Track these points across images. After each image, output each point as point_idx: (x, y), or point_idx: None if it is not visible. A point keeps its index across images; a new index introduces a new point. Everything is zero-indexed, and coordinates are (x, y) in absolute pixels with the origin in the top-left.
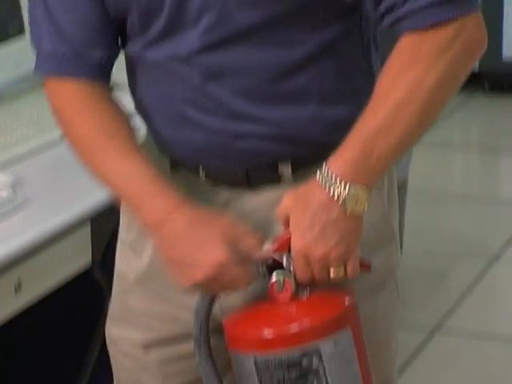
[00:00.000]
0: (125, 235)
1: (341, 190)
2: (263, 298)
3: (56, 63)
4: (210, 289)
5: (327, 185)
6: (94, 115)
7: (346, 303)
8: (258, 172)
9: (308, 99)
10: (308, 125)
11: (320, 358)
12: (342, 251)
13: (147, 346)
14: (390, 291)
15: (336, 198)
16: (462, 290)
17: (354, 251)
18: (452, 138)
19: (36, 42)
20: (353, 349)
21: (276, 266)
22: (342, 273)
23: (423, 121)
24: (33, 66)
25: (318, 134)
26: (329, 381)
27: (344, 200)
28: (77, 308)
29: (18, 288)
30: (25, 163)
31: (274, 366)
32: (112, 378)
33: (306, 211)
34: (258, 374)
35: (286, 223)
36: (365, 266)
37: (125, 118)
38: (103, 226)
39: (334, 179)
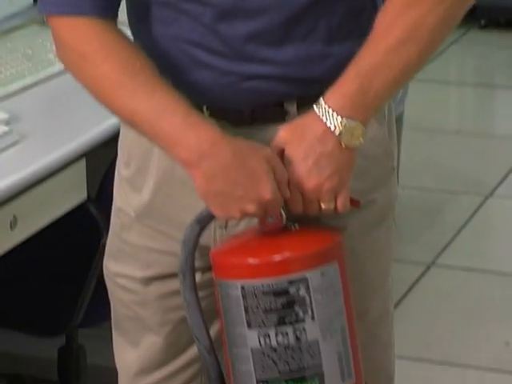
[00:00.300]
0: (123, 170)
1: (337, 123)
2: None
3: (68, 2)
4: (252, 216)
5: (324, 118)
6: (113, 53)
7: (334, 238)
8: (263, 111)
9: (316, 38)
10: (315, 63)
11: (307, 288)
12: (334, 183)
13: (146, 282)
14: (388, 226)
15: (332, 130)
16: (458, 225)
17: (345, 184)
18: (447, 74)
19: None
20: (339, 282)
21: None
22: (332, 206)
23: (421, 59)
24: (27, 2)
25: (325, 72)
26: (314, 311)
27: (340, 133)
28: (73, 243)
29: (13, 224)
30: (20, 100)
31: (261, 292)
32: (109, 312)
33: (301, 143)
34: (244, 303)
35: (280, 155)
36: (354, 203)
37: (144, 55)
38: (98, 161)
39: (330, 113)
